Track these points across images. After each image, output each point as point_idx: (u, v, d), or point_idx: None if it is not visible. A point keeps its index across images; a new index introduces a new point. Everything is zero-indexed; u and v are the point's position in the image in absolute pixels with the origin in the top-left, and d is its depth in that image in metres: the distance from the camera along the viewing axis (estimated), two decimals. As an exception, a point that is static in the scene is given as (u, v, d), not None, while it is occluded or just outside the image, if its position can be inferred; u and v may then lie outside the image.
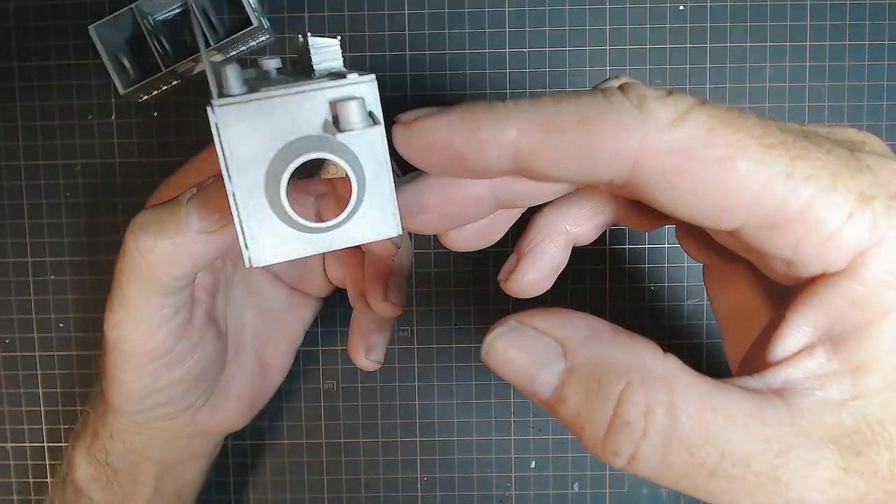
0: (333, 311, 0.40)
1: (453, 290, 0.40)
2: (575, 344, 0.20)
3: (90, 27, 0.36)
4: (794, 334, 0.20)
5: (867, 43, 0.38)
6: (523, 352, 0.21)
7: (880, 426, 0.19)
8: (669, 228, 0.38)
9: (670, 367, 0.19)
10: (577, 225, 0.26)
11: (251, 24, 0.36)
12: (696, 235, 0.26)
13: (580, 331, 0.20)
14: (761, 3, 0.38)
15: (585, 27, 0.38)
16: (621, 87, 0.20)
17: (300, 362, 0.40)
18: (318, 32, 0.38)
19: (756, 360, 0.21)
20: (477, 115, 0.20)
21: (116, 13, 0.36)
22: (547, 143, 0.20)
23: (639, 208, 0.24)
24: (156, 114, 0.39)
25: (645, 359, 0.19)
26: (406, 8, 0.38)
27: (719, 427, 0.18)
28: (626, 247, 0.40)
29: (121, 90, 0.37)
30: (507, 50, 0.38)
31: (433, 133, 0.21)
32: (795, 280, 0.21)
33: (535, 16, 0.38)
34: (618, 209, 0.26)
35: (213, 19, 0.37)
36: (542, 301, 0.28)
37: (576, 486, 0.40)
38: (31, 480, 0.40)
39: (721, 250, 0.23)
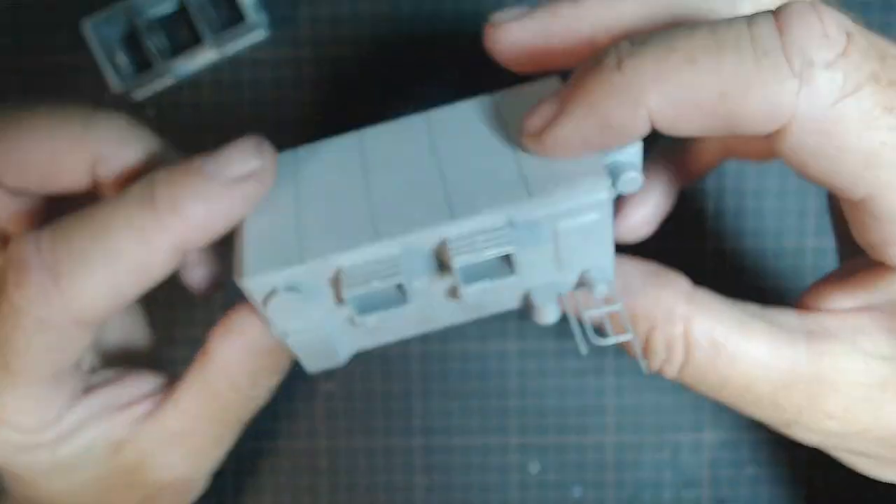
0: (332, 312, 0.39)
1: (453, 290, 0.39)
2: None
3: (84, 23, 0.35)
4: (849, 298, 0.23)
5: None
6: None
7: None
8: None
9: (693, 307, 0.23)
10: (682, 171, 0.28)
11: (247, 21, 0.35)
12: None
13: (617, 283, 0.23)
14: None
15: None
16: (783, 25, 0.17)
17: (299, 363, 0.39)
18: (319, 32, 0.38)
19: (814, 297, 0.23)
20: (598, 106, 0.19)
21: (110, 9, 0.36)
22: (684, 118, 0.18)
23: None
24: (151, 112, 0.38)
25: (668, 302, 0.23)
26: (405, 4, 0.38)
27: (727, 360, 0.22)
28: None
29: (115, 88, 0.36)
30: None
31: (565, 139, 0.20)
32: (874, 256, 0.22)
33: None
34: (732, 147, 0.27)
35: (208, 16, 0.37)
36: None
37: (578, 490, 0.40)
38: None
39: None
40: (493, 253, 0.19)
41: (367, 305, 0.21)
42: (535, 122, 0.20)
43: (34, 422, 0.24)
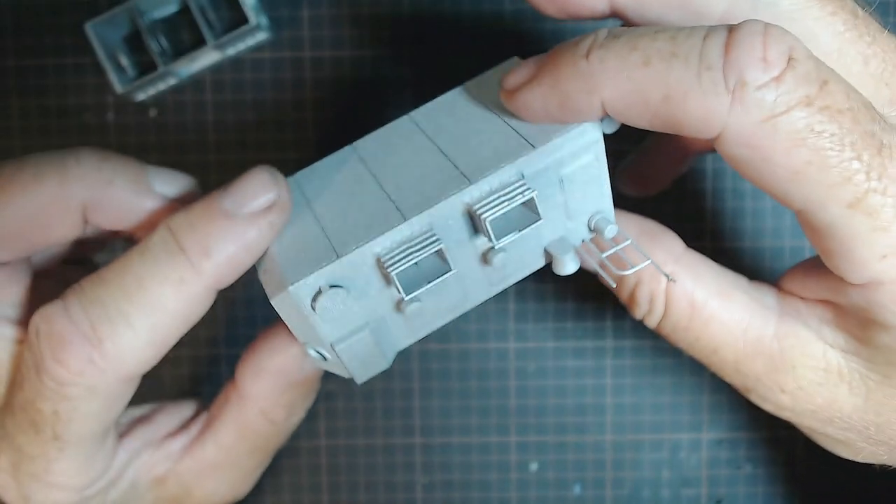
0: (332, 311, 0.39)
1: (453, 290, 0.39)
2: None
3: (86, 25, 0.35)
4: (812, 290, 0.24)
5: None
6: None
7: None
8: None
9: (680, 267, 0.25)
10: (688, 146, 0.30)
11: (249, 23, 0.35)
12: None
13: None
14: (764, 0, 0.38)
15: (588, 23, 0.38)
16: (730, 47, 0.18)
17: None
18: (320, 33, 0.38)
19: (788, 281, 0.25)
20: (563, 86, 0.21)
21: (113, 11, 0.36)
22: (632, 110, 0.20)
23: None
24: (153, 113, 0.39)
25: (658, 259, 0.25)
26: (406, 5, 0.38)
27: (701, 322, 0.25)
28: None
29: (118, 89, 0.36)
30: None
31: (531, 104, 0.22)
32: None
33: (536, 15, 0.38)
34: None
35: (210, 17, 0.37)
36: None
37: (577, 489, 0.40)
38: None
39: None
40: (519, 200, 0.21)
41: (413, 283, 0.21)
42: (511, 80, 0.23)
43: (85, 481, 0.24)
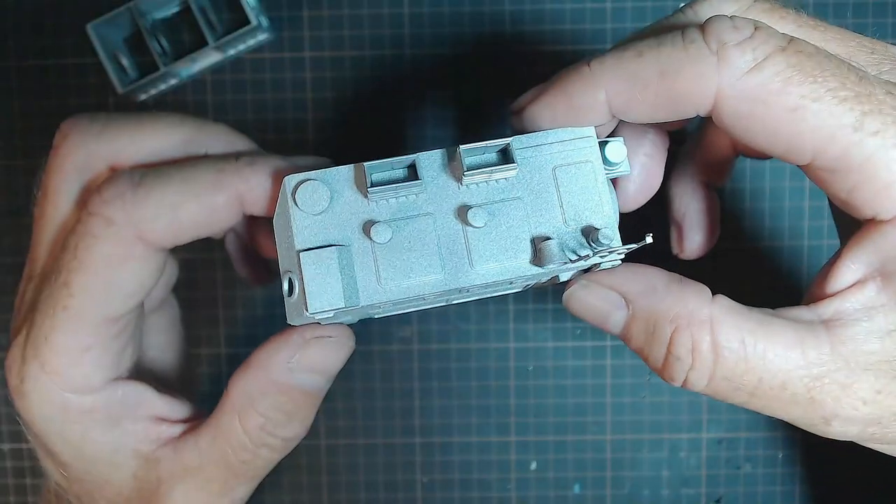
0: (332, 311, 0.40)
1: (453, 290, 0.40)
2: (634, 296, 0.24)
3: (88, 26, 0.36)
4: (848, 270, 0.23)
5: (869, 41, 0.38)
6: (596, 302, 0.24)
7: None
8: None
9: (716, 309, 0.22)
10: (707, 173, 0.29)
11: (249, 23, 0.36)
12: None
13: (638, 285, 0.24)
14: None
15: (586, 26, 0.38)
16: (704, 26, 0.22)
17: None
18: (320, 34, 0.38)
19: (819, 284, 0.23)
20: (567, 89, 0.23)
21: (114, 12, 0.36)
22: (634, 97, 0.22)
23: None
24: (154, 113, 0.39)
25: (692, 304, 0.23)
26: (406, 7, 0.38)
27: (758, 357, 0.22)
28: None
29: (119, 89, 0.36)
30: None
31: (539, 115, 0.24)
32: (853, 219, 0.23)
33: (535, 16, 0.38)
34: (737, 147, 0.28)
35: (211, 18, 0.37)
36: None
37: (577, 488, 0.40)
38: (27, 482, 0.40)
39: None
40: (497, 147, 0.23)
41: (387, 189, 0.23)
42: (519, 100, 0.25)
43: (80, 376, 0.25)
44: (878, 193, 0.21)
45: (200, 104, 0.39)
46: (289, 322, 0.24)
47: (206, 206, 0.25)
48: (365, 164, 0.23)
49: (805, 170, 0.23)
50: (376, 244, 0.23)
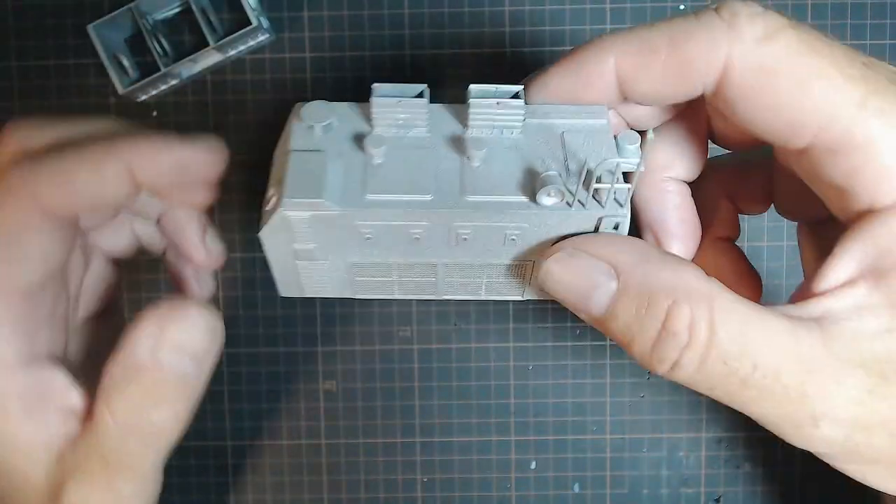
0: (332, 311, 0.40)
1: (453, 290, 0.40)
2: (627, 266, 0.22)
3: (89, 26, 0.36)
4: (839, 268, 0.22)
5: (868, 42, 0.38)
6: (578, 275, 0.22)
7: None
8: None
9: (714, 287, 0.21)
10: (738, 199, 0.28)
11: (250, 24, 0.36)
12: (795, 200, 0.27)
13: (632, 255, 0.22)
14: (762, 3, 0.38)
15: (585, 26, 0.38)
16: (717, 7, 0.22)
17: (300, 363, 0.40)
18: (321, 35, 0.38)
19: (804, 292, 0.22)
20: (578, 56, 0.23)
21: (115, 12, 0.36)
22: (643, 65, 0.22)
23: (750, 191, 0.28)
24: (155, 113, 0.39)
25: (691, 279, 0.21)
26: (406, 7, 0.38)
27: (755, 341, 0.20)
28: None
29: (120, 90, 0.37)
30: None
31: (549, 84, 0.24)
32: (847, 214, 0.22)
33: (535, 17, 0.38)
34: (732, 190, 0.28)
35: (212, 19, 0.37)
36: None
37: (576, 487, 0.40)
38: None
39: (813, 212, 0.25)
40: (506, 87, 0.23)
41: (391, 99, 0.23)
42: (530, 75, 0.25)
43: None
44: (877, 176, 0.21)
45: (201, 104, 0.39)
46: (258, 235, 0.23)
47: (96, 174, 0.24)
48: (373, 84, 0.23)
49: (800, 159, 0.22)
50: (370, 161, 0.23)
